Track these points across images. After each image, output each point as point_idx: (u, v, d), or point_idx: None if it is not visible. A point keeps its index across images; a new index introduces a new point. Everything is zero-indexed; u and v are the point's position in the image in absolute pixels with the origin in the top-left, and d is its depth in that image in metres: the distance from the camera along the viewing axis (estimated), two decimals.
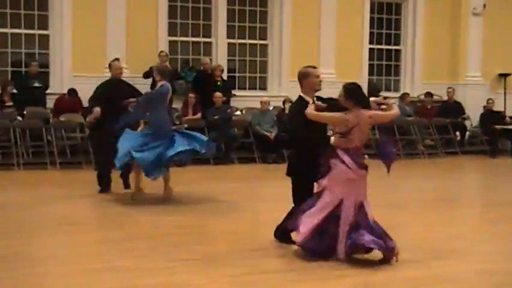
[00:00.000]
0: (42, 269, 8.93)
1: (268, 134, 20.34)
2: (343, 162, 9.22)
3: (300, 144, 9.86)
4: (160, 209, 13.45)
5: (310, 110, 9.33)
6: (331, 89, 22.55)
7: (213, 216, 12.75)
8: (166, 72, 14.84)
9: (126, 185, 15.00)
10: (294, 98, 21.23)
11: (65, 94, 19.57)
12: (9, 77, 20.28)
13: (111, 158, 13.78)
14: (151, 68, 20.19)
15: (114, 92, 14.88)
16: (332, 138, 9.31)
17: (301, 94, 9.81)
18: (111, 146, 13.80)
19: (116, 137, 13.87)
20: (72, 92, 19.34)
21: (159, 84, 14.53)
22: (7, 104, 18.95)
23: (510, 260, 9.72)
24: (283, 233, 9.92)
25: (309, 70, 9.90)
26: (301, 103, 9.65)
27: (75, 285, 8.13)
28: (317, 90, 9.86)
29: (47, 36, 20.92)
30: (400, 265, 8.89)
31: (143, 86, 20.10)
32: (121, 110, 14.37)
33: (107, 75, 19.45)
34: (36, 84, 19.84)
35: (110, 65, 15.77)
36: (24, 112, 18.68)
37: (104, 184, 14.70)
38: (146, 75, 20.08)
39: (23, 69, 20.54)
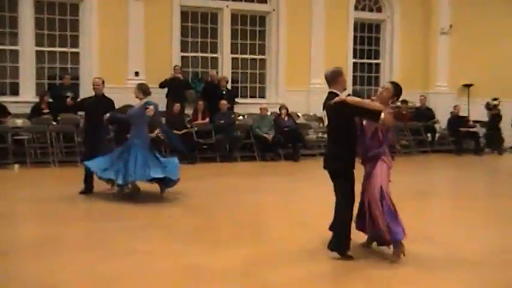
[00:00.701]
0: (75, 251, 9.01)
1: (266, 135, 20.33)
2: (385, 153, 9.14)
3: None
4: (173, 201, 13.48)
5: (352, 98, 8.81)
6: (320, 96, 22.77)
7: (219, 206, 12.83)
8: (147, 90, 13.97)
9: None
10: (290, 105, 21.28)
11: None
12: (46, 88, 20.27)
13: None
14: (166, 80, 20.33)
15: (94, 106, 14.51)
16: (382, 115, 8.48)
17: (334, 90, 8.94)
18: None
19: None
20: None
21: (143, 101, 13.76)
22: (44, 111, 19.00)
23: (473, 242, 9.78)
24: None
25: (342, 69, 9.26)
26: (336, 95, 8.76)
27: (103, 267, 8.18)
28: (344, 89, 9.20)
29: (78, 53, 20.98)
30: (378, 251, 8.95)
31: (159, 95, 20.29)
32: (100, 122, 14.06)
33: (129, 86, 19.63)
34: (69, 94, 19.83)
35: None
36: (59, 118, 18.71)
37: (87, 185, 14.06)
38: (162, 85, 20.28)
39: (58, 81, 20.61)
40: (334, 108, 8.53)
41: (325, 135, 22.92)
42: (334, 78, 9.01)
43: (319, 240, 9.27)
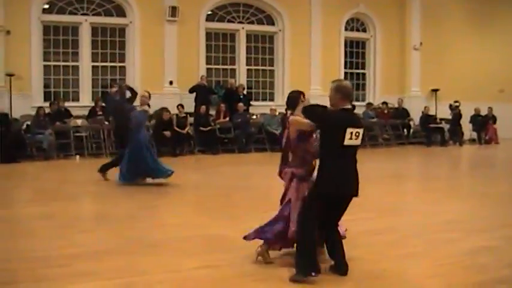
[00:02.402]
0: (122, 224, 9.04)
1: (275, 131, 20.31)
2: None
3: None
4: (197, 184, 13.53)
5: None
6: (319, 100, 22.65)
7: (237, 188, 12.84)
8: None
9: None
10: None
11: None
12: (100, 95, 20.33)
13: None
14: (193, 87, 20.36)
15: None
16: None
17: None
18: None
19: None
20: None
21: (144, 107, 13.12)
22: (98, 113, 19.05)
23: (439, 216, 9.75)
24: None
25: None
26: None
27: (144, 236, 8.20)
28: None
29: (124, 67, 21.05)
30: (365, 221, 8.94)
31: (189, 100, 20.34)
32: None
33: (165, 92, 19.65)
34: (117, 99, 19.88)
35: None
36: (110, 119, 18.77)
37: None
38: (190, 91, 20.47)
39: (109, 89, 20.61)
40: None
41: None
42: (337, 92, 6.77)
43: None
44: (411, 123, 24.39)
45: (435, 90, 24.99)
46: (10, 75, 18.44)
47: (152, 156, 12.88)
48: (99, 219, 9.52)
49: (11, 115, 18.37)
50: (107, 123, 18.76)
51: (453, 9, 25.62)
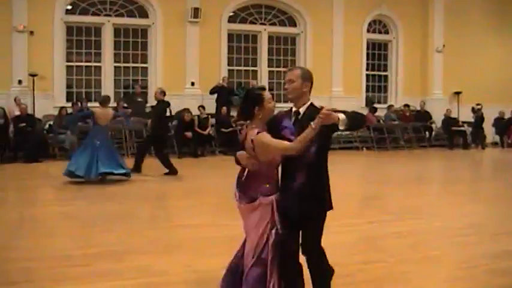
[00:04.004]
0: (144, 224, 9.07)
1: None
2: None
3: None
4: (219, 185, 13.51)
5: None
6: (340, 102, 22.78)
7: None
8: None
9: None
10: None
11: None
12: (122, 96, 20.45)
13: None
14: (214, 88, 20.41)
15: None
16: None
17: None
18: None
19: None
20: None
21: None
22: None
23: (461, 219, 9.68)
24: None
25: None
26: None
27: (166, 236, 8.22)
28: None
29: (146, 68, 21.13)
30: (386, 224, 8.90)
31: (210, 101, 20.38)
32: None
33: (186, 93, 19.67)
34: (139, 100, 20.02)
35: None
36: (131, 119, 18.84)
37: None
38: (211, 92, 20.53)
39: (131, 90, 20.77)
40: None
41: (345, 132, 23.30)
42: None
43: (330, 214, 9.19)
44: (433, 125, 24.24)
45: (457, 93, 24.79)
46: (33, 75, 18.60)
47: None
48: (120, 219, 9.54)
49: (34, 115, 18.52)
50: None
51: (476, 11, 25.42)
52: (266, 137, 4.72)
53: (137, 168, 14.52)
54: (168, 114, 15.92)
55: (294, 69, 5.14)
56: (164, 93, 14.87)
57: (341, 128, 4.61)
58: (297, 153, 4.56)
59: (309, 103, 5.01)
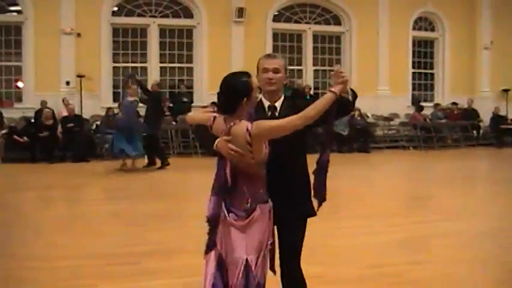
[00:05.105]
0: (186, 223, 9.12)
1: (342, 132, 20.13)
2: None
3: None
4: None
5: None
6: (387, 101, 22.58)
7: None
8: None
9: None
10: (361, 107, 20.96)
11: (205, 106, 19.80)
12: (167, 96, 20.62)
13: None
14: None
15: None
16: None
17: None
18: None
19: None
20: (213, 104, 19.58)
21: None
22: (166, 113, 19.26)
23: (509, 219, 9.55)
24: None
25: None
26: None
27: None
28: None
29: (192, 67, 21.31)
30: (433, 224, 8.83)
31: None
32: None
33: None
34: (185, 100, 20.17)
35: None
36: (177, 119, 18.96)
37: None
38: None
39: (176, 90, 20.95)
40: None
41: (390, 132, 23.18)
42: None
43: (376, 213, 9.15)
44: (481, 124, 23.91)
45: (506, 91, 24.43)
46: (81, 76, 18.88)
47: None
48: (167, 217, 9.62)
49: (81, 115, 18.81)
50: (174, 123, 19.04)
51: None
52: (265, 122, 3.95)
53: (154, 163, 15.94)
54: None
55: (278, 57, 4.57)
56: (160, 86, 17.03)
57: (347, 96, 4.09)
58: (311, 122, 3.94)
59: (283, 97, 4.46)
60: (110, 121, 17.74)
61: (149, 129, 15.99)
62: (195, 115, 4.43)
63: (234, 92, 4.00)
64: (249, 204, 3.95)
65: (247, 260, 3.92)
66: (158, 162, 15.81)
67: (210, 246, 4.06)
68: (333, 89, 4.01)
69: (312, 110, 3.91)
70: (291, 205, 4.23)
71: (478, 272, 6.65)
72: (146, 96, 16.32)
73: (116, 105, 19.18)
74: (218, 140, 3.97)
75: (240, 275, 3.91)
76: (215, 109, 4.30)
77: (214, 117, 4.10)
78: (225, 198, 4.00)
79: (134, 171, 15.48)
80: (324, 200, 4.39)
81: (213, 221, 4.06)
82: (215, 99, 15.36)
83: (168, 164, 15.76)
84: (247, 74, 4.15)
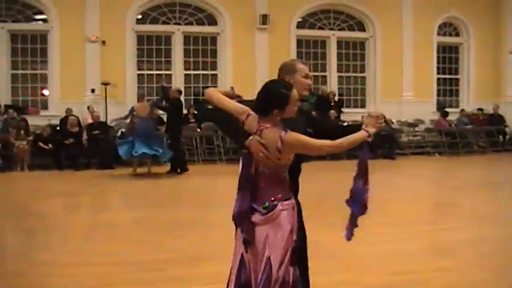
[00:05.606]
0: (216, 230, 9.13)
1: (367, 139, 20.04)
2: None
3: None
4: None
5: None
6: (411, 107, 22.46)
7: (328, 196, 12.68)
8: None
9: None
10: (385, 113, 20.93)
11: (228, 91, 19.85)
12: (192, 103, 20.67)
13: None
14: None
15: None
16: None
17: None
18: None
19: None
20: (232, 88, 19.59)
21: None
22: (191, 120, 19.35)
23: None
24: None
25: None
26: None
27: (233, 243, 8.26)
28: None
29: (216, 74, 21.40)
30: (459, 230, 8.76)
31: None
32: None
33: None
34: (210, 107, 20.14)
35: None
36: (202, 126, 19.02)
37: None
38: None
39: (201, 97, 21.01)
40: None
41: (415, 138, 23.06)
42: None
43: (402, 220, 9.09)
44: (507, 129, 23.71)
45: None
46: (105, 84, 19.02)
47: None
48: (191, 224, 9.63)
49: (106, 122, 18.94)
50: (199, 130, 19.10)
51: None
52: (300, 136, 3.98)
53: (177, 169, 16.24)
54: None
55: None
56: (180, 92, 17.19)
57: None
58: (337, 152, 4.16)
59: None
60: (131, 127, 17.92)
61: (170, 135, 16.12)
62: (224, 99, 4.45)
63: (268, 101, 4.03)
64: (268, 203, 4.02)
65: (269, 258, 3.97)
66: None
67: (245, 243, 4.15)
68: (368, 129, 4.16)
69: (345, 142, 4.04)
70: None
71: (505, 279, 6.58)
72: (168, 104, 16.38)
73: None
74: (251, 137, 4.01)
75: (264, 273, 3.96)
76: (234, 92, 4.56)
77: (248, 114, 4.13)
78: (249, 194, 4.05)
79: (158, 177, 15.54)
80: (361, 213, 4.57)
81: (240, 217, 4.16)
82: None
83: (187, 170, 16.08)
84: (289, 86, 4.11)
